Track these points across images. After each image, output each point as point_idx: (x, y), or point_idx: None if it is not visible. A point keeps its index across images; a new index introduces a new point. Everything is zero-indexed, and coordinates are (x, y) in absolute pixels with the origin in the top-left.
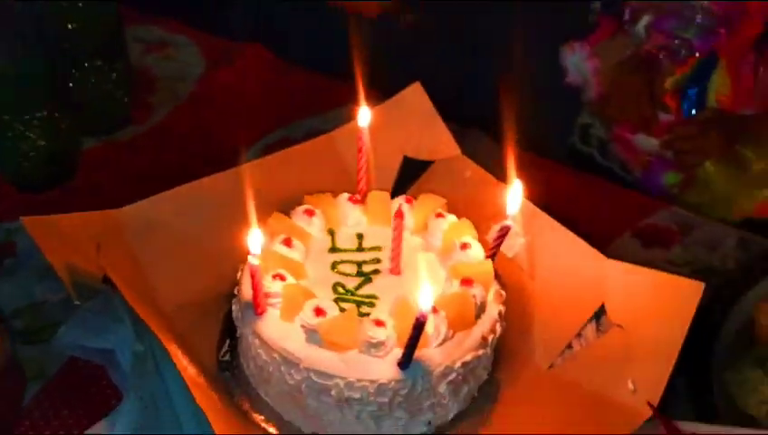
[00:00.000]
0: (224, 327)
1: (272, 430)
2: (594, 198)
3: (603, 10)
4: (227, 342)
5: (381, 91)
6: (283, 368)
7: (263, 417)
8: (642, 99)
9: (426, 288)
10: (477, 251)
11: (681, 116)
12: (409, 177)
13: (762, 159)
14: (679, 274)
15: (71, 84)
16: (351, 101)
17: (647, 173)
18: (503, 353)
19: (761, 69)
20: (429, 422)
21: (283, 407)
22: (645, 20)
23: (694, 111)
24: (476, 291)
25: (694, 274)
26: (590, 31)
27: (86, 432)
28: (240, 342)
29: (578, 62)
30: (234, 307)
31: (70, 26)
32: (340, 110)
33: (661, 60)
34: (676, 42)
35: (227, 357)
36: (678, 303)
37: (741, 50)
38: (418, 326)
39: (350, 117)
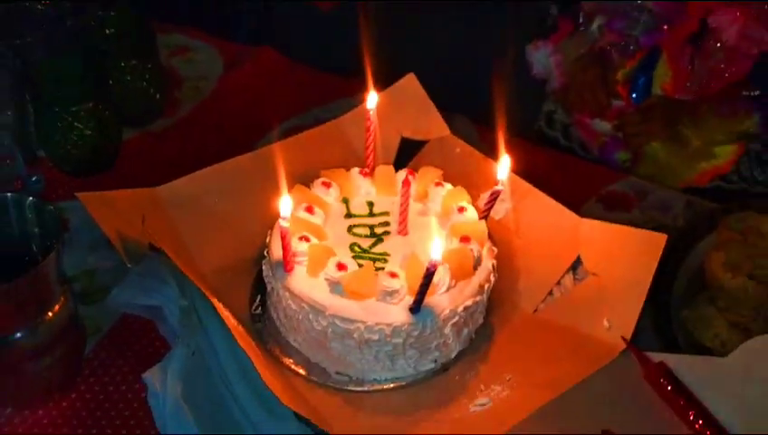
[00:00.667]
0: (254, 285)
1: (301, 371)
2: (563, 171)
3: (560, 13)
4: (258, 298)
5: (379, 83)
6: (310, 316)
7: (292, 360)
8: (597, 88)
9: (437, 242)
10: (472, 214)
11: (631, 103)
12: (407, 154)
13: (699, 138)
14: None
15: (110, 82)
16: (350, 92)
17: (602, 152)
18: (494, 301)
19: (696, 60)
20: (436, 360)
21: (311, 351)
22: (598, 21)
23: (641, 99)
24: (473, 247)
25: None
26: (551, 31)
27: (142, 375)
28: (270, 296)
29: (542, 57)
30: (264, 267)
31: (108, 32)
32: (342, 100)
33: (613, 55)
34: (626, 39)
35: (258, 311)
36: (644, 252)
37: (680, 44)
38: (429, 275)
39: (351, 106)
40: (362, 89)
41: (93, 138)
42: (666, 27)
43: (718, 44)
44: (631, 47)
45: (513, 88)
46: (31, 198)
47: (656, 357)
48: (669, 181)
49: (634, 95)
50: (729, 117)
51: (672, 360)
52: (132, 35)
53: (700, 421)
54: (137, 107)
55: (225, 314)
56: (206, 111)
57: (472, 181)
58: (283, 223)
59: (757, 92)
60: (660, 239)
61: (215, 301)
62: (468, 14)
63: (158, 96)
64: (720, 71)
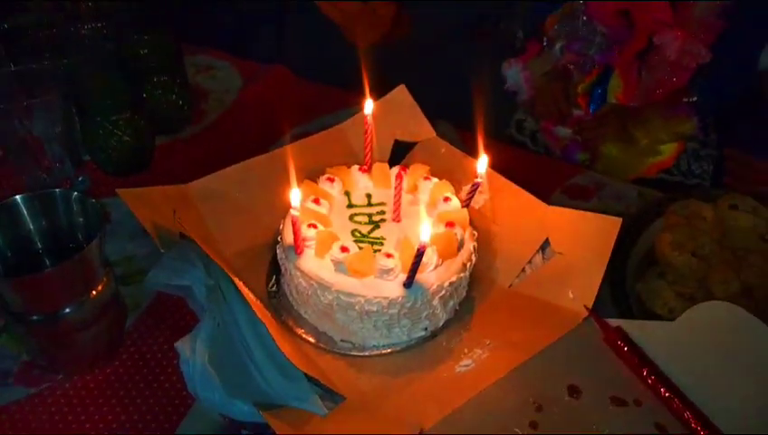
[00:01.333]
0: (269, 267)
1: (310, 339)
2: (532, 167)
3: (527, 37)
4: (273, 277)
5: (374, 93)
6: (318, 292)
7: (303, 330)
8: (560, 100)
9: (426, 226)
10: (456, 203)
11: (589, 111)
12: (399, 154)
13: (646, 137)
14: None
15: (144, 95)
16: (349, 103)
17: (564, 153)
18: (475, 277)
19: (643, 73)
20: (426, 328)
21: (319, 322)
22: (559, 44)
23: (598, 107)
24: (457, 231)
25: None
26: (520, 51)
27: (175, 344)
28: (284, 275)
29: (514, 74)
30: (278, 250)
31: (142, 52)
32: (343, 110)
33: (573, 72)
34: (583, 58)
35: (274, 288)
36: (603, 234)
37: (629, 60)
38: (420, 255)
39: (351, 113)
40: (359, 100)
41: (130, 143)
42: (617, 47)
43: (662, 59)
44: (588, 65)
45: (490, 99)
46: (76, 193)
47: (614, 323)
48: (622, 174)
49: (592, 105)
50: (671, 119)
51: (628, 325)
52: (163, 55)
53: (653, 377)
54: (168, 116)
55: (246, 291)
56: (228, 119)
57: (455, 176)
58: (294, 212)
59: (695, 99)
60: (616, 223)
61: (236, 280)
62: (449, 33)
63: (185, 107)
64: (664, 81)
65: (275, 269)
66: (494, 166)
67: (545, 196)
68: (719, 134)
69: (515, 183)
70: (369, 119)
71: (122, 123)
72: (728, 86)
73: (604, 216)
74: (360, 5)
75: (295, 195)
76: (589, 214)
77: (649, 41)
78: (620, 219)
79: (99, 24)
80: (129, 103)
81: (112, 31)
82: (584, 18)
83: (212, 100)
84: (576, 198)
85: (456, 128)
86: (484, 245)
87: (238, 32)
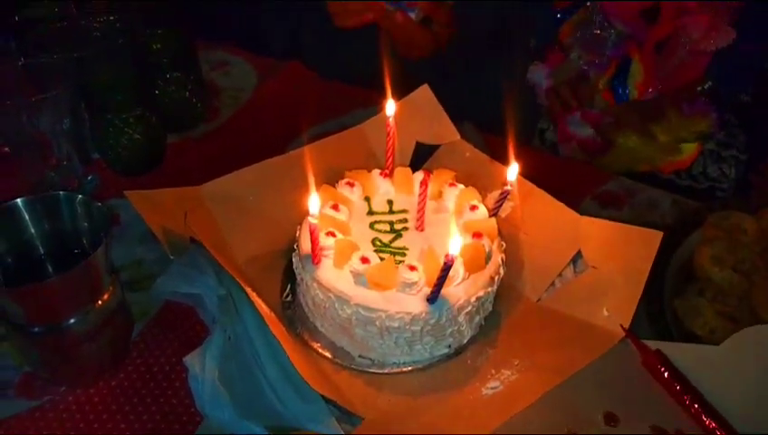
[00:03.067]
0: (284, 275)
1: (327, 354)
2: (561, 173)
3: (540, 44)
4: (288, 286)
5: (395, 94)
6: (336, 305)
7: (319, 344)
8: (568, 100)
9: (456, 239)
10: (483, 211)
11: (615, 102)
12: (421, 157)
13: (665, 135)
14: None
15: (156, 92)
16: (369, 102)
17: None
18: (501, 290)
19: (662, 59)
20: (450, 345)
21: (336, 335)
22: (576, 51)
23: (622, 99)
24: (485, 242)
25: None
26: (540, 57)
27: (183, 359)
28: (300, 285)
29: (539, 79)
30: (294, 259)
31: (154, 47)
32: (362, 110)
33: (590, 72)
34: (599, 57)
35: (289, 298)
36: (642, 247)
37: (650, 48)
38: (446, 268)
39: (370, 114)
40: (379, 99)
41: (141, 141)
42: (634, 39)
43: (683, 41)
44: (605, 63)
45: (517, 101)
46: (80, 196)
47: (653, 345)
48: (633, 166)
49: (616, 98)
50: (690, 117)
51: (668, 348)
52: (176, 51)
53: (695, 405)
54: (180, 114)
55: (258, 302)
56: (243, 118)
57: (480, 182)
58: (311, 220)
59: (709, 84)
60: (656, 236)
61: (249, 290)
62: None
63: (198, 105)
64: (683, 64)
65: (291, 278)
66: (522, 171)
67: (575, 203)
68: (747, 136)
69: (544, 189)
70: (391, 121)
71: (133, 121)
72: (743, 71)
73: (643, 229)
74: (422, 25)
75: (314, 201)
76: (626, 226)
77: (671, 29)
78: (661, 233)
79: (111, 18)
80: (141, 100)
81: (125, 25)
82: (599, 18)
83: (226, 97)
84: (608, 206)
85: (483, 131)
86: (512, 256)
87: (254, 27)
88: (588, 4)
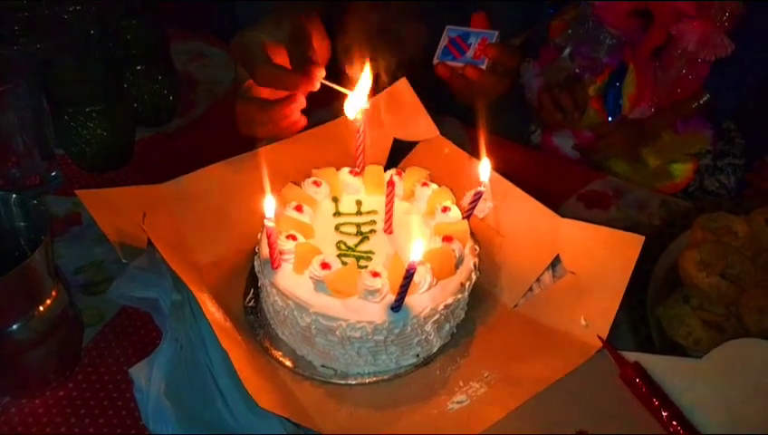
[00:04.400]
0: (249, 278)
1: (288, 363)
2: (546, 170)
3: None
4: (252, 291)
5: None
6: (296, 312)
7: (280, 353)
8: (568, 107)
9: (418, 243)
10: (456, 213)
11: (605, 114)
12: (398, 154)
13: (656, 160)
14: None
15: (125, 85)
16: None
17: None
18: (476, 296)
19: (659, 71)
20: (418, 355)
21: (297, 344)
22: (567, 50)
23: (613, 109)
24: (456, 246)
25: (627, 229)
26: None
27: (129, 371)
28: (261, 291)
29: (529, 77)
30: (255, 263)
31: (126, 38)
32: (339, 103)
33: (583, 76)
34: (593, 61)
35: (252, 303)
36: (622, 253)
37: (645, 58)
38: (409, 276)
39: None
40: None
41: (106, 137)
42: (629, 45)
43: (680, 53)
44: (599, 68)
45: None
46: (15, 195)
47: (631, 357)
48: None
49: (607, 107)
50: (684, 135)
51: (647, 360)
52: (147, 41)
53: (674, 423)
54: (151, 108)
55: (211, 310)
56: (218, 112)
57: (458, 181)
58: (268, 223)
59: (706, 97)
60: (638, 241)
61: (199, 296)
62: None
63: (171, 97)
64: (681, 78)
65: (254, 282)
66: (504, 168)
67: (560, 203)
68: (746, 139)
69: (527, 188)
70: (362, 117)
71: (96, 115)
72: (744, 80)
73: (623, 232)
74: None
75: (269, 203)
76: (606, 229)
77: (667, 36)
78: (643, 238)
79: (79, 8)
80: (106, 93)
81: (94, 15)
82: (593, 21)
83: (202, 90)
84: (593, 206)
85: (467, 126)
86: (487, 259)
87: (232, 16)
88: (580, 4)
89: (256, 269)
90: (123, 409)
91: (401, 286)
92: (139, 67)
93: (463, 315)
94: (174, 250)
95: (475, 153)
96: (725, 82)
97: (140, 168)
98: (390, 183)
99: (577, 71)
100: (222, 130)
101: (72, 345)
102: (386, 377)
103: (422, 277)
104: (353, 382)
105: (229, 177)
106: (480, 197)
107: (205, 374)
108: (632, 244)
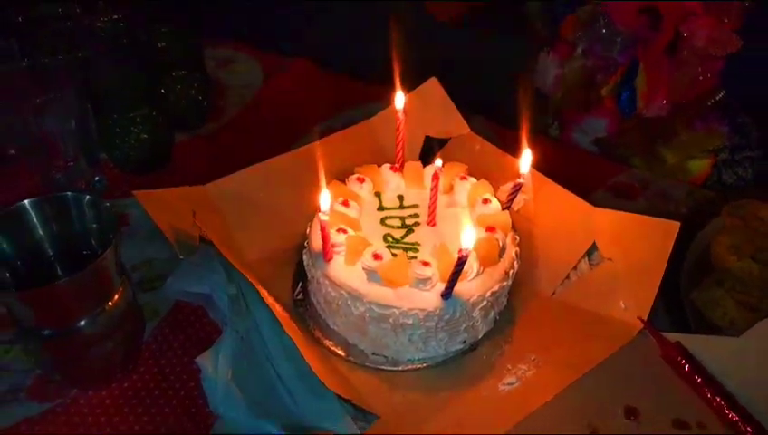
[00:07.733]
0: (295, 273)
1: (340, 352)
2: (574, 164)
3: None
4: (300, 284)
5: (404, 87)
6: (349, 302)
7: (332, 342)
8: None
9: (469, 231)
10: (496, 205)
11: (618, 114)
12: (430, 151)
13: (674, 157)
14: None
15: (162, 90)
16: (376, 97)
17: None
18: (515, 284)
19: (672, 69)
20: (465, 341)
21: (349, 333)
22: (580, 48)
23: (627, 109)
24: (499, 236)
25: None
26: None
27: (195, 360)
28: (311, 283)
29: (546, 68)
30: (305, 256)
31: (159, 45)
32: (369, 104)
33: (597, 75)
34: (606, 60)
35: (300, 296)
36: (658, 239)
37: (656, 56)
38: (461, 263)
39: (378, 108)
40: (388, 92)
41: (148, 140)
42: (641, 43)
43: (691, 52)
44: (612, 67)
45: (529, 91)
46: (88, 197)
47: (672, 337)
48: None
49: (621, 108)
50: (702, 131)
51: (688, 340)
52: (181, 49)
53: (717, 398)
54: (187, 112)
55: (270, 301)
56: (249, 115)
57: (491, 175)
58: (322, 217)
59: (722, 94)
60: (673, 227)
61: (260, 289)
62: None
63: (205, 103)
64: (695, 76)
65: (302, 275)
66: (534, 162)
67: (587, 195)
68: (761, 131)
69: (555, 180)
70: (401, 114)
71: (140, 120)
72: (757, 74)
73: (659, 219)
74: None
75: (325, 197)
76: (641, 217)
77: (676, 34)
78: (678, 224)
79: (115, 17)
80: (147, 99)
81: (129, 24)
82: (604, 20)
83: (231, 95)
84: (620, 196)
85: (493, 124)
86: (525, 249)
87: (260, 23)
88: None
89: (305, 262)
90: (186, 398)
91: (453, 274)
92: (174, 74)
93: (506, 302)
94: (224, 246)
95: (504, 149)
96: (737, 76)
97: (178, 169)
98: (435, 176)
99: (591, 69)
100: (251, 132)
101: (135, 339)
102: (435, 363)
103: (470, 266)
104: (404, 368)
105: (271, 176)
106: (519, 188)
107: (263, 362)
108: (668, 230)
